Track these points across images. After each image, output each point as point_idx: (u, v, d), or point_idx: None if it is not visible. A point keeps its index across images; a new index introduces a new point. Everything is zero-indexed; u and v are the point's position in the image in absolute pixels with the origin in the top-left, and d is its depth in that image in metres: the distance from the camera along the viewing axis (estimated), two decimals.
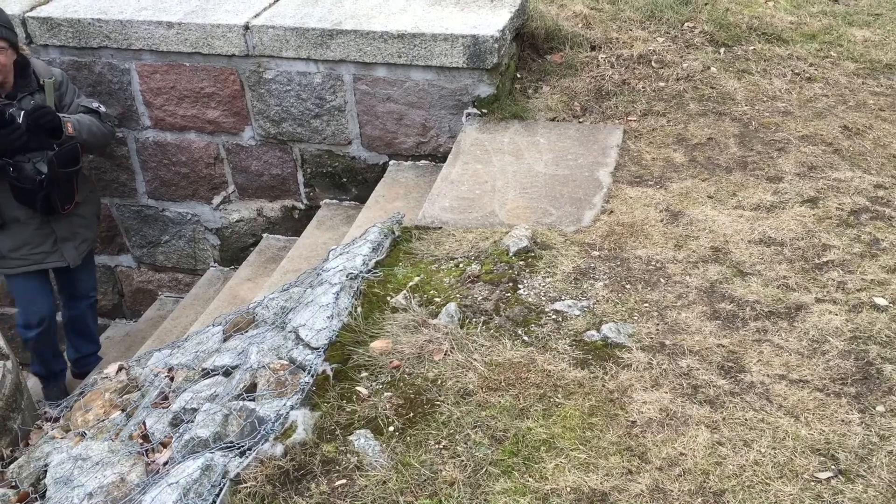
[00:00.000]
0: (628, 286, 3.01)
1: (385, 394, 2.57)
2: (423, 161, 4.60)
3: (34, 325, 4.45)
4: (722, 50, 4.67)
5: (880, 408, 2.43)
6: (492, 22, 4.22)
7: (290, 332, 2.93)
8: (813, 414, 2.42)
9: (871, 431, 2.35)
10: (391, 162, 4.65)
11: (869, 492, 2.17)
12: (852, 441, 2.32)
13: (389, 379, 2.63)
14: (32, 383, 5.42)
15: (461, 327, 2.82)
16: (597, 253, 3.21)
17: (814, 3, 5.19)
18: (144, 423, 2.91)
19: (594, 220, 3.44)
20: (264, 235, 5.18)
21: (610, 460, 2.30)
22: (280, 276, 4.25)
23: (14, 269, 4.32)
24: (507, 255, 3.18)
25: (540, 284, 3.03)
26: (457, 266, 3.19)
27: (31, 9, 4.77)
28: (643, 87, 4.40)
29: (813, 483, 2.20)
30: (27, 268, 4.31)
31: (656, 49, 4.60)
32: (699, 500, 2.18)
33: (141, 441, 2.82)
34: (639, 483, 2.23)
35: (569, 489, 2.22)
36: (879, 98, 4.29)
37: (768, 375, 2.57)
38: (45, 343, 4.58)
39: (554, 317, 2.86)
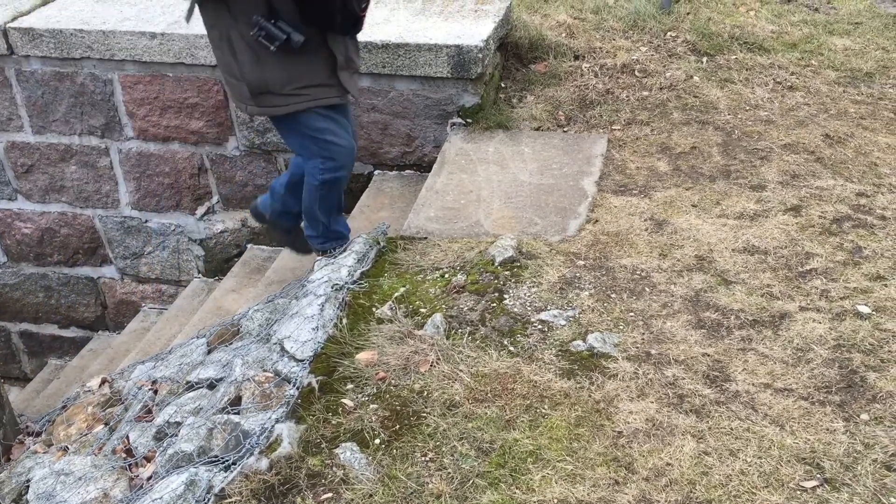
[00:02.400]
0: (613, 295, 3.01)
1: (371, 406, 2.56)
2: (407, 171, 4.60)
3: (340, 160, 3.42)
4: (704, 59, 4.70)
5: (864, 416, 2.44)
6: (476, 32, 4.23)
7: (274, 343, 2.91)
8: (798, 422, 2.43)
9: (855, 440, 2.36)
10: (376, 172, 4.65)
11: (854, 500, 2.18)
12: (837, 449, 2.33)
13: (375, 391, 2.62)
14: (14, 396, 5.38)
15: (447, 338, 2.81)
16: (582, 262, 3.21)
17: (794, 13, 5.24)
18: (128, 438, 2.88)
19: (579, 229, 3.45)
20: (249, 246, 5.16)
21: (597, 471, 2.30)
22: (265, 287, 4.23)
23: (292, 105, 3.27)
24: (493, 265, 3.18)
25: (525, 294, 3.03)
26: (442, 276, 3.18)
27: (13, 19, 4.74)
28: (627, 97, 4.41)
29: (799, 492, 2.21)
30: (308, 104, 3.28)
31: (639, 58, 4.62)
32: None
33: (124, 455, 2.80)
34: (626, 494, 2.23)
35: (556, 501, 2.21)
36: (860, 106, 4.33)
37: (753, 384, 2.58)
38: (338, 189, 3.57)
39: (540, 327, 2.86)
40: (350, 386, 2.65)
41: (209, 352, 3.24)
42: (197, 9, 3.28)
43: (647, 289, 3.04)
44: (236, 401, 2.71)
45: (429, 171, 4.15)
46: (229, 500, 2.26)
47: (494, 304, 2.97)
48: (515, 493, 2.24)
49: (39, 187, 5.21)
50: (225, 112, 4.67)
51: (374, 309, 3.00)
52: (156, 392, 3.15)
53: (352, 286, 3.11)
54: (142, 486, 2.55)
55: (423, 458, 2.37)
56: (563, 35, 4.76)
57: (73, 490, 2.64)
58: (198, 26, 4.50)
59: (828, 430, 2.40)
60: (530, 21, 4.77)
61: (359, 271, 3.21)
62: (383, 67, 4.26)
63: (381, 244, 3.41)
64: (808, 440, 2.36)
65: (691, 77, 4.54)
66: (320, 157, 3.40)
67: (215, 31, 3.27)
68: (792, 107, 4.32)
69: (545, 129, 4.26)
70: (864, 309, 2.87)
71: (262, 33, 3.08)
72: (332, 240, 3.65)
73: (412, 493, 2.26)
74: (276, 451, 2.40)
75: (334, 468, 2.35)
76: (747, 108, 4.33)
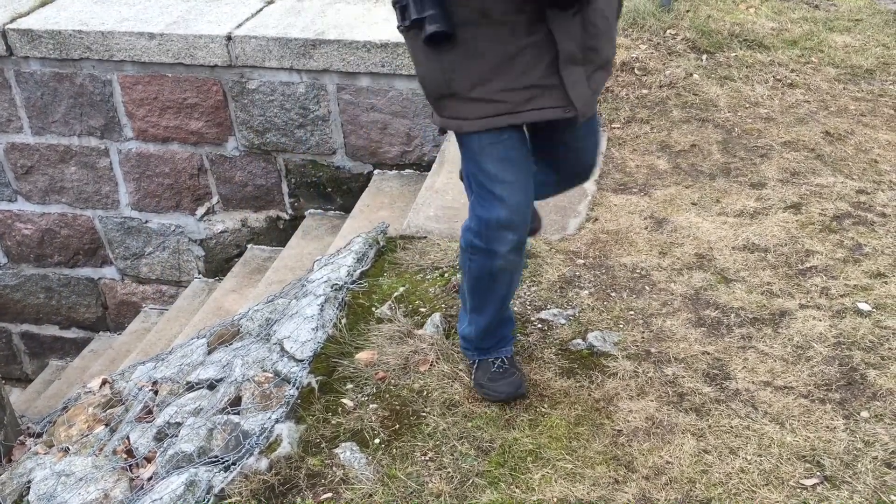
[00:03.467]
0: (613, 294, 3.01)
1: (370, 406, 2.56)
2: (407, 170, 4.60)
3: (498, 228, 2.23)
4: (704, 57, 4.69)
5: (865, 413, 2.44)
6: None
7: (274, 344, 2.91)
8: (798, 420, 2.42)
9: (855, 437, 2.36)
10: (376, 171, 4.65)
11: (855, 498, 2.18)
12: (837, 447, 2.33)
13: (375, 391, 2.62)
14: (15, 397, 5.39)
15: (447, 337, 2.81)
16: (582, 261, 3.21)
17: (794, 9, 5.23)
18: (128, 438, 2.88)
19: (579, 227, 3.44)
20: (249, 246, 5.16)
21: (596, 470, 2.30)
22: (265, 287, 4.23)
23: (471, 119, 2.14)
24: None
25: (525, 293, 3.02)
26: (442, 276, 3.18)
27: (12, 20, 4.74)
28: (626, 95, 4.41)
29: (799, 490, 2.21)
30: (495, 120, 2.12)
31: (639, 56, 4.61)
32: None
33: (125, 456, 2.80)
34: (625, 492, 2.22)
35: (556, 500, 2.21)
36: (860, 103, 4.32)
37: (753, 382, 2.58)
38: (505, 274, 2.36)
39: (539, 326, 2.86)
40: (350, 386, 2.65)
41: (209, 352, 3.23)
42: None
43: (646, 287, 3.04)
44: (236, 401, 2.71)
45: (428, 171, 4.14)
46: (229, 500, 2.26)
47: None
48: (515, 492, 2.24)
49: (39, 188, 5.21)
50: (224, 112, 4.67)
51: (373, 309, 3.00)
52: (156, 392, 3.15)
53: (351, 286, 3.11)
54: (142, 487, 2.55)
55: (422, 458, 2.37)
56: None
57: (74, 491, 2.64)
58: (195, 26, 4.51)
59: (828, 427, 2.40)
60: None
61: (358, 271, 3.21)
62: (382, 67, 4.26)
63: (381, 243, 3.41)
64: (809, 438, 2.36)
65: (691, 75, 4.53)
66: (474, 211, 2.30)
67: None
68: (792, 104, 4.32)
69: None
70: (864, 306, 2.87)
71: (400, 2, 2.04)
72: (466, 341, 2.62)
73: (412, 492, 2.26)
74: (276, 451, 2.40)
75: (334, 468, 2.35)
76: (747, 105, 4.32)
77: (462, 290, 2.53)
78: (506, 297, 2.46)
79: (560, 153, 2.42)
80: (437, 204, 3.72)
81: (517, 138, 2.22)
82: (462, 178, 2.38)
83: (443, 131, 2.31)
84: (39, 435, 3.40)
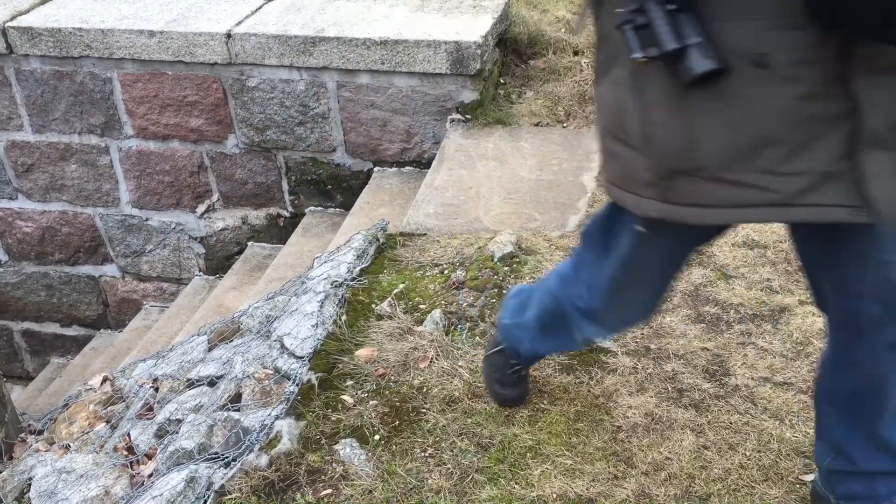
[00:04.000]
0: None
1: (370, 402, 2.57)
2: (407, 167, 4.60)
3: (599, 328, 2.04)
4: None
5: None
6: (474, 28, 4.22)
7: (274, 340, 2.92)
8: (797, 416, 2.43)
9: None
10: (376, 168, 4.65)
11: None
12: None
13: (375, 387, 2.63)
14: (16, 395, 5.40)
15: (446, 334, 2.82)
16: None
17: None
18: (129, 435, 2.89)
19: (579, 224, 3.45)
20: (249, 244, 5.16)
21: (596, 466, 2.30)
22: (265, 284, 4.24)
23: (715, 207, 1.47)
24: (492, 260, 3.18)
25: None
26: (442, 272, 3.18)
27: (12, 18, 4.74)
28: None
29: (798, 485, 2.21)
30: (751, 213, 1.47)
31: None
32: None
33: (125, 453, 2.81)
34: (625, 488, 2.23)
35: (555, 495, 2.22)
36: None
37: (753, 378, 2.58)
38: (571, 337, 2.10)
39: None
40: (350, 382, 2.66)
41: (210, 349, 3.24)
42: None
43: None
44: (236, 398, 2.71)
45: (428, 168, 4.15)
46: (229, 496, 2.27)
47: (494, 300, 2.98)
48: (515, 488, 2.25)
49: (40, 186, 5.22)
50: (224, 109, 4.67)
51: (373, 305, 3.01)
52: (157, 390, 3.16)
53: (351, 283, 3.12)
54: (143, 484, 2.55)
55: (422, 454, 2.37)
56: (563, 30, 4.75)
57: (75, 488, 2.65)
58: (195, 24, 4.51)
59: None
60: (529, 17, 4.76)
61: (358, 268, 3.22)
62: (382, 64, 4.26)
63: (381, 241, 3.42)
64: (808, 434, 2.36)
65: None
66: (586, 276, 1.95)
67: (601, 47, 1.67)
68: None
69: (544, 124, 4.26)
70: None
71: (636, 21, 1.38)
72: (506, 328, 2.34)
73: (412, 488, 2.26)
74: (276, 447, 2.41)
75: (334, 464, 2.35)
76: None
77: (528, 300, 2.22)
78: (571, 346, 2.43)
79: (849, 272, 1.62)
80: (437, 201, 3.73)
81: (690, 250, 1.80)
82: (586, 230, 1.96)
83: (649, 224, 1.62)
84: (40, 432, 3.40)
